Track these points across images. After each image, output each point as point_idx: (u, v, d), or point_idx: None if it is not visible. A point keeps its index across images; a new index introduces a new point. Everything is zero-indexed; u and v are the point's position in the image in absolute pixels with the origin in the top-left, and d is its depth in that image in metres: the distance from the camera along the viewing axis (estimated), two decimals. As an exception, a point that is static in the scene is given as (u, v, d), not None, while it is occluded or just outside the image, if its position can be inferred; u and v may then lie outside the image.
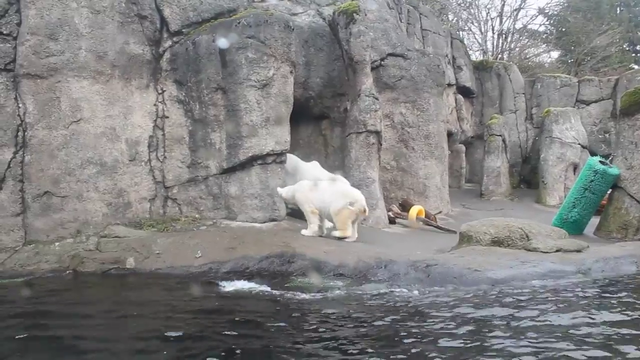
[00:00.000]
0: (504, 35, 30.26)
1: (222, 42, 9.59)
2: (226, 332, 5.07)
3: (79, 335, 5.21)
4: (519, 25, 31.35)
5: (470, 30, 31.53)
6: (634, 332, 4.67)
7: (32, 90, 8.88)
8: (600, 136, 19.65)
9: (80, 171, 9.06)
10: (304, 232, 9.13)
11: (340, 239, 8.87)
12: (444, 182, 13.58)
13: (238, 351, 4.54)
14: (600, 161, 10.98)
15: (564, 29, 31.12)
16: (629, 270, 7.18)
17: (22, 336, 5.01)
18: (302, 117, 11.43)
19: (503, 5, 30.19)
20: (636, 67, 26.96)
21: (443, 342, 4.56)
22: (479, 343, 4.51)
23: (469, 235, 8.47)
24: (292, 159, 10.58)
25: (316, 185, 9.37)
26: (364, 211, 9.09)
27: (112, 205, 9.29)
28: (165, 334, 4.94)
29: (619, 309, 5.44)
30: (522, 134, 20.26)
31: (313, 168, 10.49)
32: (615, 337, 4.56)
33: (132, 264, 8.02)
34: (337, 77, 11.93)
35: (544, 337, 4.55)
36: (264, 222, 9.63)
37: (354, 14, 11.21)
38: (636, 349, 4.20)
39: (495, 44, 30.17)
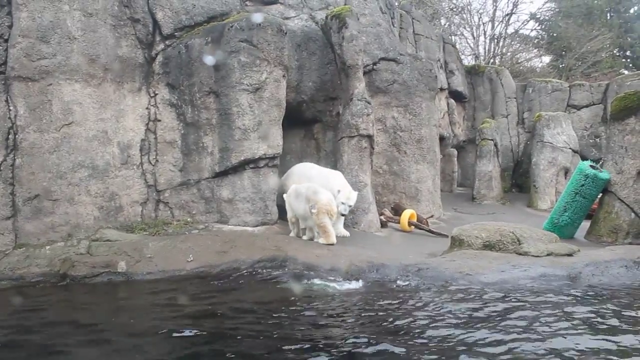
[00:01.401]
0: (495, 40, 30.45)
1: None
2: (216, 330, 5.07)
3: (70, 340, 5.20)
4: (510, 30, 31.67)
5: (463, 34, 31.69)
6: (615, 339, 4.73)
7: (24, 93, 8.84)
8: (591, 141, 19.76)
9: (71, 174, 9.03)
10: (304, 237, 9.30)
11: (328, 244, 8.82)
12: (436, 186, 13.61)
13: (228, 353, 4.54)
14: (591, 165, 11.05)
15: (555, 34, 31.33)
16: (619, 274, 7.23)
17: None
18: (294, 121, 11.44)
19: (495, 10, 30.39)
20: (626, 72, 27.15)
21: (431, 343, 4.58)
22: (465, 347, 4.53)
23: (461, 239, 8.50)
24: (307, 167, 10.56)
25: (297, 191, 9.40)
26: (331, 212, 8.88)
27: (104, 209, 9.26)
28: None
29: (605, 314, 5.49)
30: (514, 138, 20.34)
31: (317, 173, 10.35)
32: (599, 343, 4.61)
33: (124, 268, 7.98)
34: (329, 81, 11.95)
35: (532, 343, 4.58)
36: (256, 226, 9.63)
37: (347, 18, 11.23)
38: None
39: (487, 48, 30.35)
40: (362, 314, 5.85)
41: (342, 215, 9.48)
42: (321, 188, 9.30)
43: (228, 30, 9.71)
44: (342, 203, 9.41)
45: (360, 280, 7.19)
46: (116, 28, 9.52)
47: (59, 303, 6.93)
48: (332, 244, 8.77)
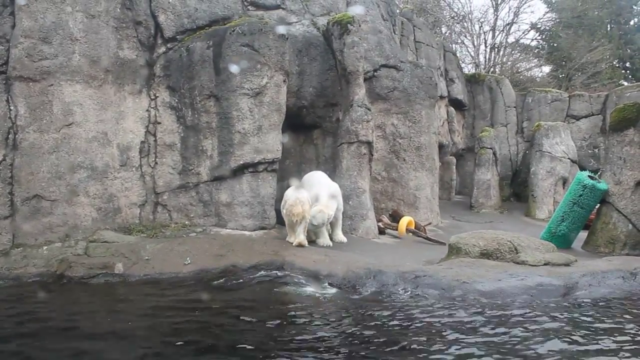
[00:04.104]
0: (496, 49, 30.53)
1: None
2: (213, 332, 5.06)
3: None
4: (511, 39, 31.64)
5: (463, 43, 31.77)
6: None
7: (24, 93, 8.84)
8: (589, 151, 19.80)
9: (70, 175, 9.03)
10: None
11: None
12: (435, 193, 13.63)
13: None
14: (589, 176, 11.07)
15: (555, 45, 31.43)
16: (616, 285, 7.23)
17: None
18: (294, 126, 11.45)
19: (496, 19, 30.45)
20: (626, 83, 27.24)
21: (427, 351, 4.58)
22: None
23: (458, 247, 8.49)
24: (314, 175, 10.54)
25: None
26: (293, 213, 8.94)
27: (102, 210, 9.25)
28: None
29: (600, 326, 5.50)
30: (513, 147, 20.38)
31: (316, 181, 10.31)
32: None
33: (121, 270, 7.97)
34: (330, 87, 11.97)
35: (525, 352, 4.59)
36: (254, 230, 9.63)
37: (348, 25, 11.27)
38: None
39: (487, 57, 30.43)
40: (358, 320, 5.85)
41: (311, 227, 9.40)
42: (298, 192, 9.37)
43: (230, 35, 9.74)
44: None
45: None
46: (118, 30, 9.54)
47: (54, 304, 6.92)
48: (300, 245, 8.88)
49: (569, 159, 17.57)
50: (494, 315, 5.79)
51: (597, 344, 4.86)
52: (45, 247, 8.57)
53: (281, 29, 10.07)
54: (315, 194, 9.61)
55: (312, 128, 12.37)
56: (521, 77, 30.22)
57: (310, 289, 7.14)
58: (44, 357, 4.83)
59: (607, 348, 4.76)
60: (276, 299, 6.78)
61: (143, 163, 9.73)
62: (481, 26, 31.12)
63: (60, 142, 9.00)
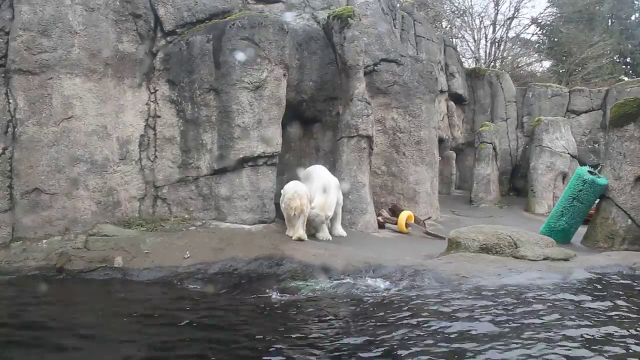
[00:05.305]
0: (496, 44, 30.40)
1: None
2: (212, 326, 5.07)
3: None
4: (511, 34, 31.50)
5: (464, 37, 31.65)
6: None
7: (24, 86, 8.83)
8: (589, 146, 19.79)
9: (70, 169, 9.02)
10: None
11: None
12: (434, 188, 13.62)
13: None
14: (589, 171, 11.06)
15: (556, 39, 31.34)
16: (615, 280, 7.24)
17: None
18: (294, 120, 11.44)
19: (496, 14, 30.33)
20: (626, 78, 27.18)
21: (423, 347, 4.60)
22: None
23: (458, 242, 8.51)
24: (314, 169, 10.52)
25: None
26: (291, 206, 8.97)
27: (102, 204, 9.25)
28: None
29: (596, 319, 5.51)
30: (513, 142, 20.36)
31: (316, 176, 10.31)
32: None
33: (120, 263, 7.98)
34: (330, 81, 11.95)
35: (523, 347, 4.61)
36: (254, 224, 9.62)
37: (349, 19, 11.24)
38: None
39: (488, 52, 30.32)
40: (360, 315, 5.86)
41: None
42: (297, 184, 9.45)
43: (230, 28, 9.70)
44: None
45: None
46: (117, 23, 9.51)
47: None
48: (299, 239, 8.87)
49: (568, 154, 17.56)
50: (491, 311, 5.80)
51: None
52: (45, 240, 8.57)
53: (288, 16, 10.11)
54: (316, 188, 9.64)
55: (312, 122, 12.35)
56: (521, 71, 30.12)
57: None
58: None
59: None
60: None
61: (143, 157, 9.72)
62: (482, 20, 31.03)
63: (60, 136, 8.99)
